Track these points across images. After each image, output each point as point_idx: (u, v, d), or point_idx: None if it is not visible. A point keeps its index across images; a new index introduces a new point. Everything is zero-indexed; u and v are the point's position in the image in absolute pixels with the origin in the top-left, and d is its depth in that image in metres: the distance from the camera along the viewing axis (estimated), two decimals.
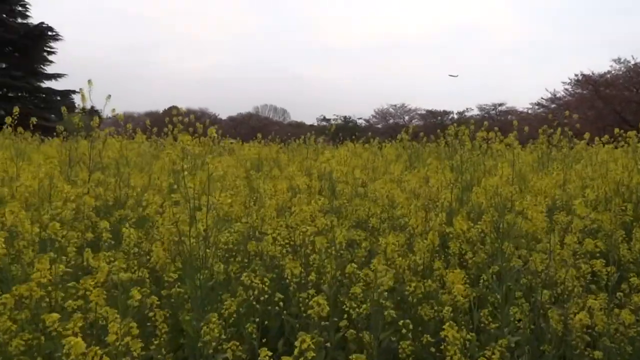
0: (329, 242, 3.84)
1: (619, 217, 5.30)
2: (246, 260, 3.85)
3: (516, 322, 3.46)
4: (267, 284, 3.02)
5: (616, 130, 7.45)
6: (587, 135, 8.02)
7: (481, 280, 3.93)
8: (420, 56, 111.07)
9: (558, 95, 42.12)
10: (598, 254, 4.34)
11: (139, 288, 2.74)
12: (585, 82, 38.72)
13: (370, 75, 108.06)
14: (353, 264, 3.42)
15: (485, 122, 7.14)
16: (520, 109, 49.87)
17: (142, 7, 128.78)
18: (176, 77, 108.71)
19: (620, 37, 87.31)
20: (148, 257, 3.53)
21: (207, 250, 3.46)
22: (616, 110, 35.82)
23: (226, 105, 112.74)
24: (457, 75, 68.08)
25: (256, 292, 2.99)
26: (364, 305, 3.00)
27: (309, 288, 3.20)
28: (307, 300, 2.98)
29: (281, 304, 3.10)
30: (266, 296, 3.00)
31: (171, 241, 3.39)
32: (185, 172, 3.03)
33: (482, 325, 3.41)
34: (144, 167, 7.02)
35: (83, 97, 5.65)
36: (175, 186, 3.46)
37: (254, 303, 2.99)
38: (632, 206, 5.73)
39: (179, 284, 3.27)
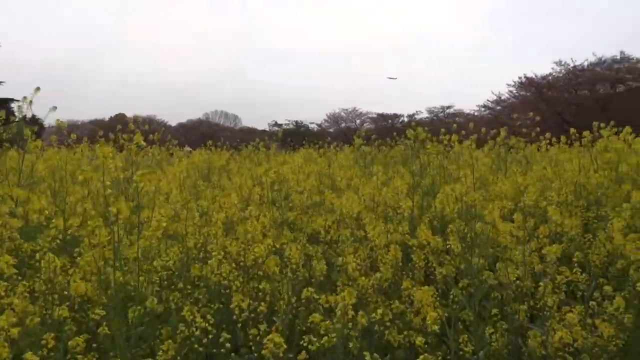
0: (283, 261, 3.42)
1: (582, 220, 5.13)
2: (189, 287, 3.36)
3: (491, 343, 3.14)
4: (211, 321, 2.55)
5: (572, 130, 7.38)
6: (548, 135, 7.95)
7: (451, 296, 3.61)
8: (372, 60, 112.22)
9: (503, 97, 43.27)
10: (565, 259, 4.12)
11: (51, 335, 2.22)
12: (529, 84, 39.94)
13: (323, 80, 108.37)
14: (310, 289, 3.00)
15: (445, 130, 6.96)
16: (467, 111, 51.11)
17: (89, 11, 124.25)
18: (124, 84, 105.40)
19: (563, 41, 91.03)
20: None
21: (141, 278, 2.96)
22: (557, 111, 37.07)
23: (177, 112, 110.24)
24: (395, 78, 69.31)
25: (198, 333, 2.53)
26: (325, 338, 2.59)
27: (260, 321, 2.75)
28: (258, 338, 2.54)
29: (228, 345, 2.63)
30: (211, 336, 2.54)
31: (97, 270, 2.87)
32: (109, 190, 2.54)
33: (458, 349, 3.06)
34: (83, 181, 6.36)
35: (19, 107, 5.01)
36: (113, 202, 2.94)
37: (197, 346, 2.52)
38: (595, 208, 5.59)
39: (106, 322, 2.75)
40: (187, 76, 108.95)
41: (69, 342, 2.63)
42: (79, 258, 3.19)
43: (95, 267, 2.62)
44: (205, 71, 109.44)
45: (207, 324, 2.56)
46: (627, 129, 7.14)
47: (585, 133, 6.89)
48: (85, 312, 3.00)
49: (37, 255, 3.07)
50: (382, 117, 55.19)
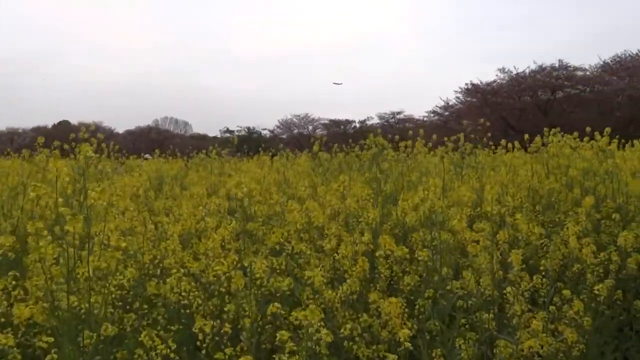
0: (247, 275, 3.26)
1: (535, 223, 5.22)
2: (145, 307, 3.15)
3: (461, 354, 3.09)
4: (172, 347, 2.37)
5: (526, 136, 7.56)
6: (503, 142, 8.11)
7: (416, 306, 3.55)
8: (322, 66, 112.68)
9: (450, 103, 44.39)
10: (524, 265, 4.15)
11: None
12: (475, 90, 41.18)
13: (274, 86, 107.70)
14: (276, 304, 2.87)
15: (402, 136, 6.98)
16: (417, 117, 52.11)
17: (26, 11, 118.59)
18: (70, 89, 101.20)
19: (506, 50, 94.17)
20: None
21: (93, 299, 2.74)
22: (502, 116, 38.38)
23: (125, 119, 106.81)
24: (341, 83, 70.44)
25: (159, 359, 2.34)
26: (295, 357, 2.46)
27: (225, 343, 2.59)
28: None
29: None
30: None
31: (45, 291, 2.63)
32: (62, 208, 2.32)
33: None
34: (19, 193, 5.97)
35: None
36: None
37: None
38: (550, 212, 5.72)
39: (55, 349, 2.52)
40: (135, 80, 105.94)
41: None
42: (22, 281, 2.93)
43: (42, 289, 2.39)
44: (157, 75, 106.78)
45: (168, 350, 2.38)
46: (574, 134, 7.39)
47: (537, 139, 7.08)
48: (31, 338, 2.75)
49: None
50: (335, 123, 55.51)
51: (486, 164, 7.40)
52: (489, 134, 8.46)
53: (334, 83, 71.62)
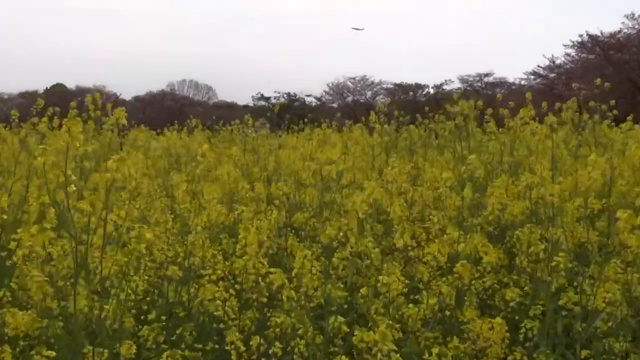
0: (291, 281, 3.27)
1: None
2: (164, 319, 3.21)
3: None
4: None
5: None
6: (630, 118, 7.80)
7: (521, 329, 3.46)
8: (381, 23, 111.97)
9: (558, 62, 43.07)
10: None
11: None
12: (593, 44, 39.70)
13: (318, 46, 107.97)
14: (339, 318, 2.86)
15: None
16: (512, 80, 50.88)
17: None
18: (64, 51, 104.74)
19: None
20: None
21: (106, 308, 2.81)
22: (630, 78, 36.91)
23: (133, 83, 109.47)
24: (362, 29, 68.54)
25: None
26: None
27: None
28: None
29: None
30: None
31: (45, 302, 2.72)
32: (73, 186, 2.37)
33: None
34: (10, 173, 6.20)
35: None
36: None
37: None
38: None
39: None
40: (147, 39, 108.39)
41: None
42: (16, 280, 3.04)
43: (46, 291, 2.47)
44: (168, 35, 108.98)
45: None
46: None
47: None
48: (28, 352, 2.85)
49: None
50: (401, 88, 54.94)
51: (616, 140, 7.13)
52: (612, 101, 8.15)
53: (353, 29, 70.04)
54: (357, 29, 67.96)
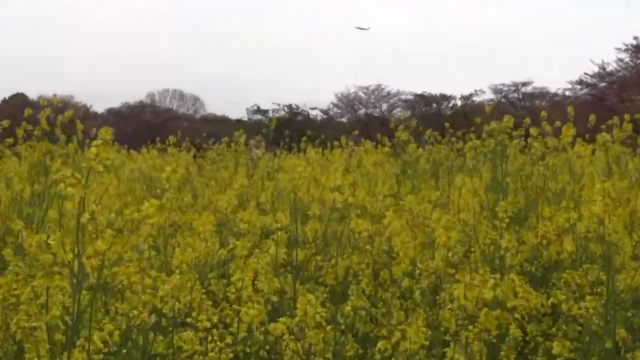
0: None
1: None
2: None
3: None
4: None
5: None
6: None
7: None
8: (394, 24, 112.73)
9: (609, 68, 43.19)
10: None
11: None
12: None
13: (324, 50, 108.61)
14: None
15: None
16: (554, 90, 50.89)
17: None
18: (26, 56, 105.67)
19: None
20: None
21: None
22: None
23: (106, 92, 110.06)
24: (368, 28, 67.58)
25: None
26: None
27: None
28: None
29: None
30: None
31: None
32: None
33: None
34: None
35: None
36: None
37: None
38: None
39: None
40: (123, 42, 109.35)
41: None
42: None
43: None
44: (148, 37, 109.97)
45: None
46: None
47: None
48: None
49: None
50: (423, 99, 55.18)
51: None
52: None
53: (357, 28, 69.63)
54: (361, 28, 67.46)
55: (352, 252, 4.71)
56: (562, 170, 6.37)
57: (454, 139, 11.21)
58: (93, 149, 2.82)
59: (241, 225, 5.29)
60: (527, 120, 7.90)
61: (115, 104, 61.42)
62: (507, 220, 4.66)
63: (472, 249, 4.60)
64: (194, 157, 13.03)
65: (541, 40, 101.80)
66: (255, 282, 3.98)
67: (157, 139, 13.34)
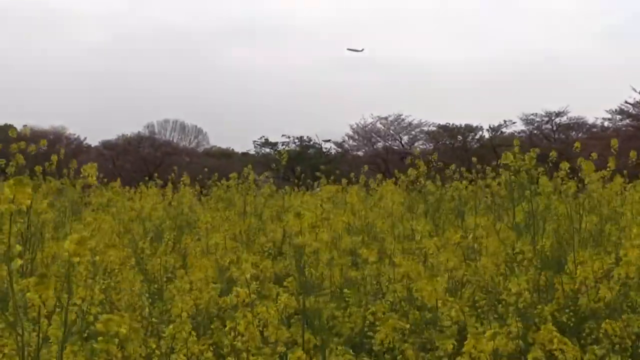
0: None
1: None
2: None
3: None
4: None
5: None
6: None
7: None
8: (413, 50, 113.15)
9: None
10: None
11: None
12: None
13: (336, 75, 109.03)
14: None
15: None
16: (593, 120, 50.74)
17: None
18: (18, 80, 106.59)
19: None
20: None
21: None
22: None
23: (101, 124, 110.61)
24: (361, 50, 66.51)
25: None
26: None
27: None
28: None
29: None
30: None
31: None
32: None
33: None
34: None
35: None
36: None
37: None
38: None
39: None
40: (118, 70, 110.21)
41: None
42: None
43: None
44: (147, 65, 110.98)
45: None
46: None
47: None
48: None
49: None
50: (447, 130, 55.19)
51: None
52: None
53: (349, 49, 68.65)
54: (354, 50, 66.81)
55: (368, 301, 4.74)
56: (597, 209, 6.39)
57: (481, 174, 11.25)
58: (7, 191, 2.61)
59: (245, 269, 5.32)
60: (554, 153, 7.94)
61: (111, 135, 61.52)
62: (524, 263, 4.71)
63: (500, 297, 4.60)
64: (200, 193, 13.16)
65: (577, 67, 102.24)
66: (264, 331, 4.02)
67: (156, 175, 13.45)
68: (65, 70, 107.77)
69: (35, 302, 2.38)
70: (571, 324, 4.64)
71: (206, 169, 17.19)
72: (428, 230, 6.57)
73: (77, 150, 48.21)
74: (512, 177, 6.24)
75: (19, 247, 2.40)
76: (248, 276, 4.31)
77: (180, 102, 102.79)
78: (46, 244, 6.12)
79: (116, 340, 2.60)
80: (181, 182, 12.65)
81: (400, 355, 4.07)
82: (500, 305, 4.47)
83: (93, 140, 60.65)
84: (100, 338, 2.62)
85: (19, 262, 2.34)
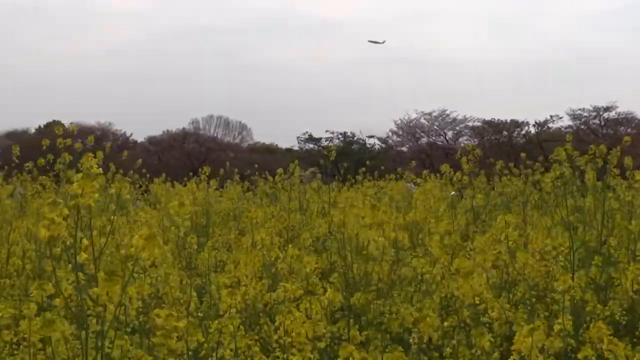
0: None
1: None
2: None
3: None
4: None
5: None
6: None
7: None
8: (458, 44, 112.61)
9: None
10: None
11: None
12: None
13: (380, 71, 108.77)
14: None
15: None
16: None
17: None
18: (61, 79, 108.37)
19: None
20: None
21: None
22: None
23: (147, 120, 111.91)
24: (383, 42, 65.38)
25: None
26: None
27: None
28: None
29: None
30: None
31: None
32: None
33: None
34: None
35: None
36: None
37: None
38: None
39: None
40: (165, 66, 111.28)
41: None
42: None
43: None
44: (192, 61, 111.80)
45: None
46: None
47: None
48: None
49: None
50: (493, 126, 54.78)
51: None
52: None
53: (370, 41, 67.72)
54: (375, 42, 66.22)
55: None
56: None
57: (529, 170, 11.13)
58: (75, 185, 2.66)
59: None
60: (603, 147, 7.82)
61: (157, 131, 62.09)
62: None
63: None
64: (247, 189, 13.25)
65: (627, 59, 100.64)
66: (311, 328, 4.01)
67: (201, 170, 13.53)
68: (100, 70, 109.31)
69: (102, 299, 2.43)
70: (624, 323, 4.58)
71: (256, 165, 17.29)
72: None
73: (123, 146, 48.75)
74: (567, 172, 6.16)
75: (86, 242, 2.45)
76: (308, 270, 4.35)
77: (217, 101, 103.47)
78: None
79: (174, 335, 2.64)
80: (234, 178, 12.75)
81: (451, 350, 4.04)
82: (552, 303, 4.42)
83: (139, 137, 61.27)
84: (158, 332, 2.65)
85: (85, 256, 2.38)
